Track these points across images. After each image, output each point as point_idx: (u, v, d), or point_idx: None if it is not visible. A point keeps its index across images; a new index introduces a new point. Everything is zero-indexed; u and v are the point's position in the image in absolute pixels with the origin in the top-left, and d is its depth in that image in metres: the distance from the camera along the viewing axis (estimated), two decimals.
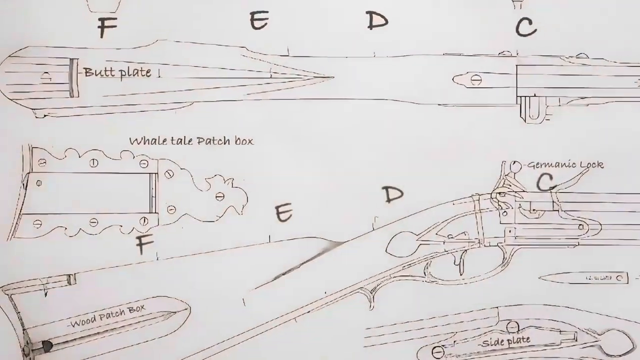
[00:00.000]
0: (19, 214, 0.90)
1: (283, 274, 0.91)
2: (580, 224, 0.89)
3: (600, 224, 0.91)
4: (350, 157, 0.93)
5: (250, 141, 0.92)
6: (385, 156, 0.93)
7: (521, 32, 0.91)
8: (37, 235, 0.90)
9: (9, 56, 0.89)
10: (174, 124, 0.92)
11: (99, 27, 0.89)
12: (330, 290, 0.91)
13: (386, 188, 0.93)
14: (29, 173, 0.90)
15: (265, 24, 0.91)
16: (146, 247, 0.92)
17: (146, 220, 0.91)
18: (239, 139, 0.92)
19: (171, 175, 0.92)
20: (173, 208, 0.92)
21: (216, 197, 0.92)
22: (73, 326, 0.88)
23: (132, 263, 0.91)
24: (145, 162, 0.92)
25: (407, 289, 0.93)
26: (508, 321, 0.90)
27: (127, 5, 0.89)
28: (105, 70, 0.90)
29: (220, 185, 0.93)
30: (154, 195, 0.91)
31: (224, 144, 0.92)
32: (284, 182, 0.93)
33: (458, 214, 0.92)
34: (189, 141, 0.92)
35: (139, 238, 0.92)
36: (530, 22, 0.91)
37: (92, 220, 0.90)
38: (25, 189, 0.90)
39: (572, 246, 0.91)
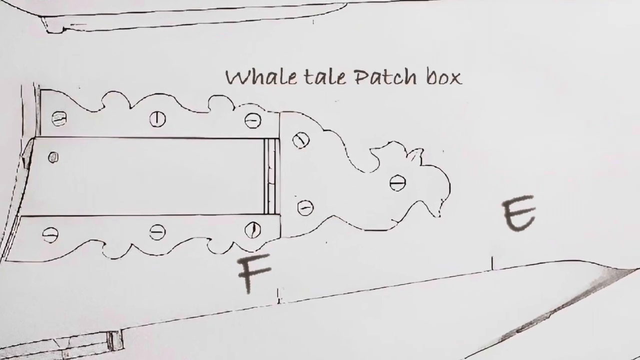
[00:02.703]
0: (17, 215, 0.75)
1: (519, 330, 0.76)
2: None
3: None
4: None
5: (455, 78, 0.74)
6: None
7: None
8: (51, 258, 0.74)
9: None
10: (311, 44, 0.76)
11: None
12: None
13: None
14: (33, 138, 0.75)
15: None
16: (257, 278, 0.76)
17: (258, 228, 0.76)
18: (433, 73, 0.75)
19: (305, 142, 0.77)
20: (309, 205, 0.76)
21: (391, 184, 0.77)
22: None
23: (230, 310, 0.75)
24: (257, 117, 0.76)
25: None
26: None
27: None
28: None
29: (398, 162, 0.77)
30: (272, 180, 0.76)
31: (405, 82, 0.75)
32: (518, 159, 0.76)
33: None
34: (339, 77, 0.75)
35: (243, 262, 0.75)
36: None
37: (154, 229, 0.76)
38: (28, 169, 0.75)
39: None
